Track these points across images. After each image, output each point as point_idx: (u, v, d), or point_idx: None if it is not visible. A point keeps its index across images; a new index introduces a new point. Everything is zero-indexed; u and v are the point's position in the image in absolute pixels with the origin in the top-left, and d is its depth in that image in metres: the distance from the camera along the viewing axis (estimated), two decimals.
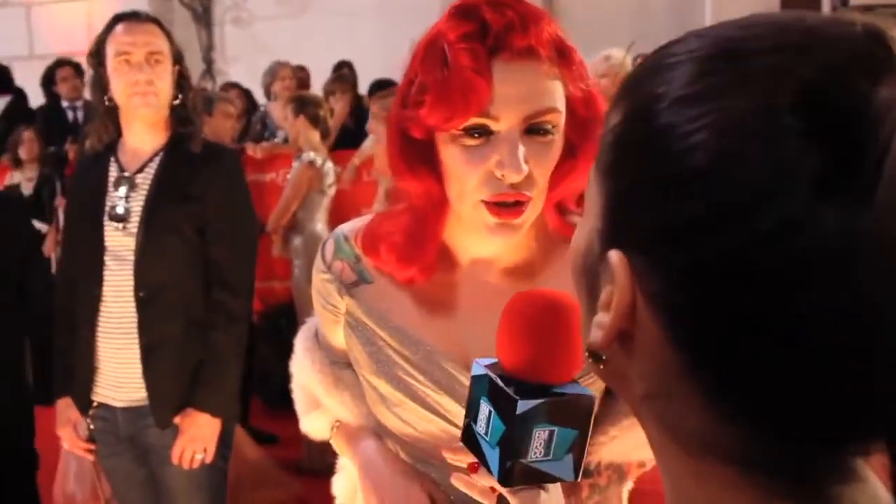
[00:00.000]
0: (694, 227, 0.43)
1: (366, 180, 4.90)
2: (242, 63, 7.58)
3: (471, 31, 0.96)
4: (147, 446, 2.14)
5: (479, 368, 0.85)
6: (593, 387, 0.99)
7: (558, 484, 0.86)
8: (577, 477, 0.82)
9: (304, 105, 4.25)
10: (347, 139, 5.20)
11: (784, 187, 0.41)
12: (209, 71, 7.85)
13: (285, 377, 3.66)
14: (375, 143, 4.92)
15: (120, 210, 2.08)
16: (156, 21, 2.17)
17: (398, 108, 1.03)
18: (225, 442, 2.17)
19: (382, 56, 7.25)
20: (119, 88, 2.07)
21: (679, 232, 0.44)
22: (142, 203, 2.08)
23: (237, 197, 2.18)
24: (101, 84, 2.11)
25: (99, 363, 2.13)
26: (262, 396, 4.61)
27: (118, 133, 2.16)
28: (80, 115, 5.58)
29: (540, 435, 0.79)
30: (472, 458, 0.88)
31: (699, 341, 0.44)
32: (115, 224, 2.08)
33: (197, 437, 2.09)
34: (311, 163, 4.12)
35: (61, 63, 5.74)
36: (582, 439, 0.81)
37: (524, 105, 0.96)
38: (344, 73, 5.71)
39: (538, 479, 0.81)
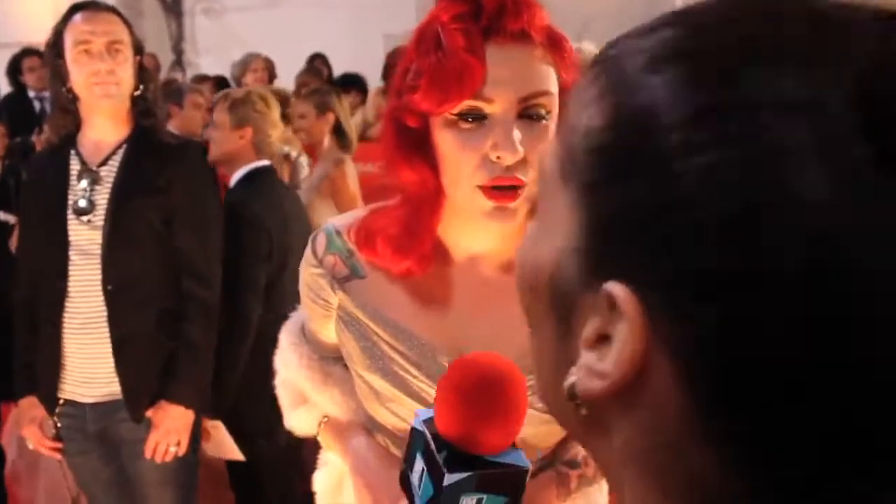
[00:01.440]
0: (735, 277, 0.36)
1: None
2: (213, 54, 7.50)
3: (464, 11, 0.96)
4: (118, 441, 2.11)
5: (418, 422, 0.86)
6: None
7: None
8: None
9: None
10: None
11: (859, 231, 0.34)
12: (179, 62, 7.75)
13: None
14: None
15: (83, 203, 2.05)
16: (114, 10, 2.13)
17: (393, 98, 1.04)
18: (195, 434, 2.15)
19: (354, 49, 7.24)
20: (79, 79, 2.03)
21: (714, 281, 0.36)
22: (107, 196, 2.05)
23: (203, 187, 2.15)
24: (60, 75, 2.07)
25: (65, 359, 2.09)
26: None
27: (77, 126, 2.12)
28: (47, 105, 5.47)
29: (467, 501, 0.81)
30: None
31: (725, 392, 0.37)
32: (80, 218, 2.05)
33: (171, 430, 2.07)
34: (287, 156, 4.08)
35: (28, 52, 5.62)
36: (513, 502, 0.83)
37: (518, 87, 0.96)
38: (316, 66, 5.67)
39: None
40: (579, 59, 1.03)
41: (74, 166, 2.09)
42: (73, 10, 2.09)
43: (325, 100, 3.48)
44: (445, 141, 0.99)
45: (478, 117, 0.97)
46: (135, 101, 2.10)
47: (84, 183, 2.06)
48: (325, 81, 5.57)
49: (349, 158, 3.44)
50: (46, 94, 5.62)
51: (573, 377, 0.42)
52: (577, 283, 0.42)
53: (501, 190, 0.98)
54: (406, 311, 1.09)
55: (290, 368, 1.22)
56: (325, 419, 1.22)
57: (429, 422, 0.85)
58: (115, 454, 2.13)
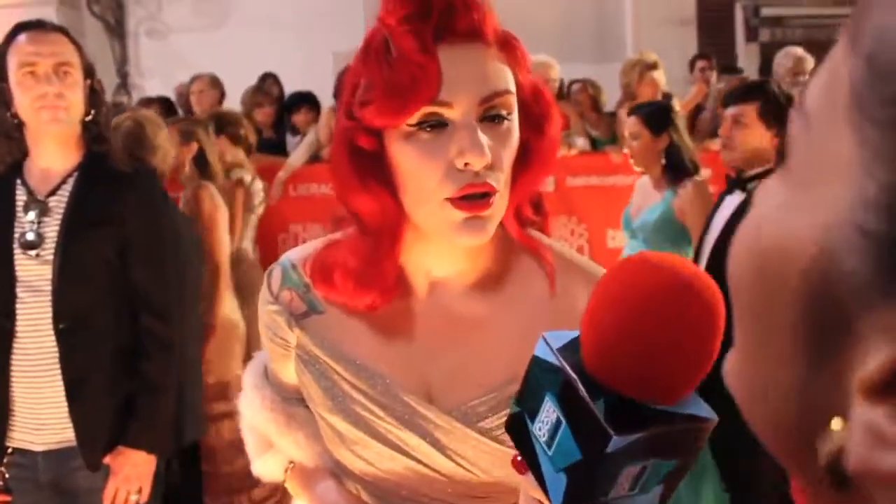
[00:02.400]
0: None
1: (292, 195, 4.80)
2: (158, 77, 7.35)
3: (412, 12, 0.90)
4: (74, 491, 1.98)
5: (547, 352, 0.63)
6: None
7: None
8: None
9: (223, 124, 4.13)
10: (271, 151, 5.09)
11: None
12: (124, 85, 7.58)
13: None
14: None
15: (31, 237, 1.92)
16: (63, 30, 2.01)
17: (343, 119, 0.97)
18: (159, 478, 2.03)
19: (302, 68, 7.16)
20: (24, 103, 1.91)
21: None
22: (56, 228, 1.93)
23: (159, 216, 2.04)
24: (3, 98, 1.95)
25: (14, 405, 1.96)
26: None
27: (23, 154, 2.00)
28: None
29: (630, 472, 0.60)
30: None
31: None
32: (28, 252, 1.92)
33: (131, 477, 1.95)
34: (240, 181, 4.00)
35: None
36: (681, 470, 0.62)
37: (477, 88, 0.91)
38: (262, 85, 5.59)
39: None
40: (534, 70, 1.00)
41: (20, 197, 1.96)
42: (17, 29, 1.97)
43: (190, 129, 3.57)
44: (405, 155, 0.92)
45: (437, 125, 0.91)
46: (86, 126, 1.99)
47: (31, 215, 1.94)
48: (274, 101, 5.50)
49: (210, 185, 3.51)
50: None
51: (839, 440, 0.27)
52: (860, 285, 0.27)
53: (472, 199, 0.91)
54: (367, 347, 1.03)
55: (253, 412, 1.15)
56: (292, 465, 1.15)
57: (566, 351, 0.61)
58: None
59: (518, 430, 0.65)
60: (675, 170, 3.15)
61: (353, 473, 1.07)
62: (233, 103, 5.56)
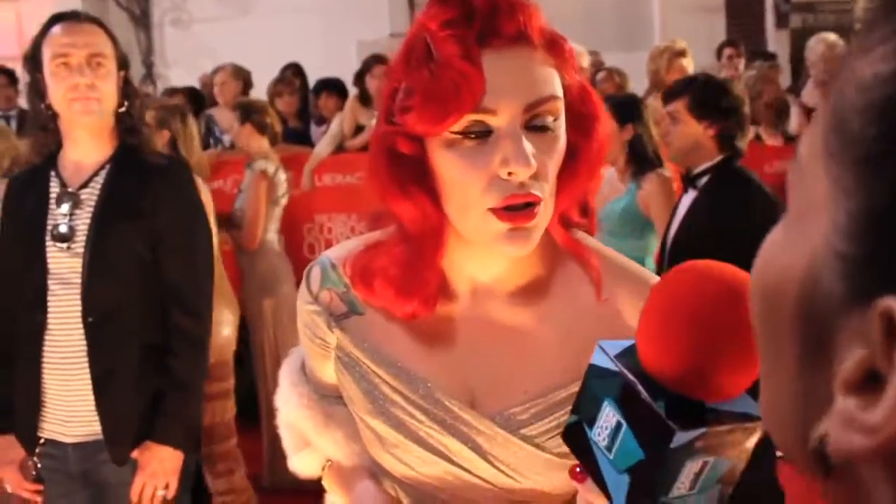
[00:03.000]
0: None
1: (318, 185, 4.79)
2: (183, 66, 7.37)
3: (455, 16, 0.87)
4: (102, 484, 1.98)
5: (604, 359, 0.66)
6: None
7: None
8: None
9: (249, 112, 4.11)
10: (295, 141, 5.09)
11: None
12: (149, 75, 7.62)
13: (242, 389, 3.54)
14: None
15: (63, 229, 1.91)
16: (97, 21, 2.00)
17: (382, 123, 0.95)
18: (187, 474, 2.02)
19: (327, 55, 7.16)
20: (58, 94, 1.90)
21: None
22: (88, 221, 1.92)
23: (192, 210, 2.02)
24: (38, 90, 1.94)
25: (45, 396, 1.96)
26: None
27: (58, 145, 1.99)
28: (13, 125, 5.34)
29: (690, 468, 0.62)
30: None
31: None
32: (59, 244, 1.91)
33: (158, 473, 1.94)
34: (264, 172, 3.99)
35: None
36: (735, 470, 0.65)
37: (523, 94, 0.88)
38: (285, 75, 5.58)
39: None
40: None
41: (54, 189, 1.96)
42: (53, 21, 1.96)
43: (163, 117, 3.52)
44: (448, 163, 0.90)
45: (482, 133, 0.89)
46: (119, 118, 1.97)
47: (65, 207, 1.93)
48: (297, 90, 5.49)
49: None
50: (13, 112, 5.49)
51: (824, 427, 0.33)
52: (837, 300, 0.32)
53: (516, 210, 0.89)
54: (409, 350, 1.01)
55: (291, 409, 1.14)
56: (329, 463, 1.14)
57: (623, 357, 0.64)
58: (100, 497, 2.00)
59: (576, 438, 0.67)
60: (639, 162, 3.17)
61: (392, 475, 1.05)
62: (258, 93, 5.55)
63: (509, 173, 0.88)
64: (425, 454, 1.00)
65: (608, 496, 0.65)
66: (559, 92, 0.91)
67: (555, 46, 0.91)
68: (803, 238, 0.34)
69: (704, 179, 2.66)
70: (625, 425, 0.63)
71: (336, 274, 1.04)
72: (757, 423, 0.63)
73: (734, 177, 2.64)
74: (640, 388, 0.62)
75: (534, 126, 0.89)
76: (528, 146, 0.88)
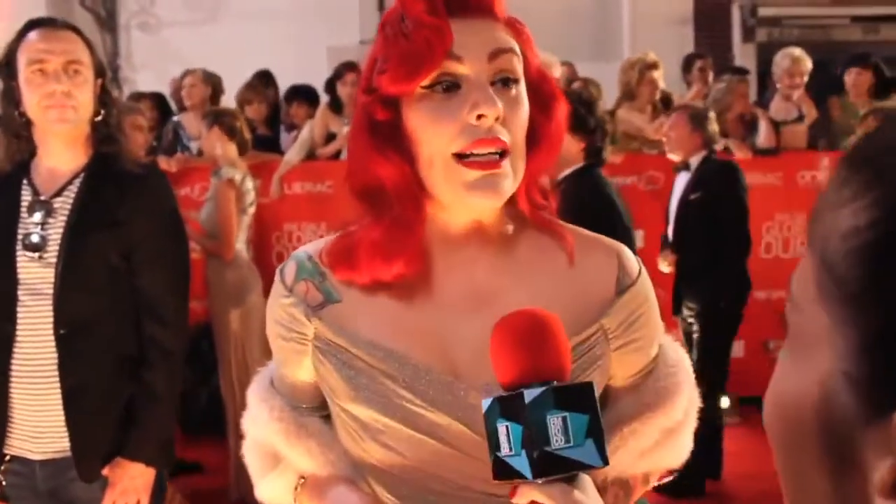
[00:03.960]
0: None
1: (287, 193, 4.75)
2: (151, 70, 7.27)
3: None
4: (72, 502, 1.92)
5: (486, 402, 0.87)
6: None
7: (590, 482, 0.87)
8: (605, 462, 0.83)
9: (218, 116, 4.06)
10: (264, 148, 5.04)
11: None
12: (115, 79, 7.49)
13: (208, 401, 3.50)
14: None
15: (35, 238, 1.87)
16: (74, 28, 1.96)
17: (361, 95, 1.02)
18: (159, 491, 1.96)
19: (297, 61, 7.10)
20: (33, 101, 1.86)
21: None
22: (60, 230, 1.87)
23: (168, 220, 1.98)
24: (12, 97, 1.90)
25: (12, 411, 1.90)
26: (183, 422, 4.39)
27: (31, 152, 1.95)
28: None
29: (555, 422, 0.82)
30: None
31: None
32: (30, 254, 1.86)
33: (129, 490, 1.89)
34: (231, 180, 3.92)
35: None
36: (595, 423, 0.84)
37: (487, 44, 0.96)
38: (254, 82, 5.52)
39: (567, 467, 0.83)
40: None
41: (26, 197, 1.91)
42: (29, 26, 1.91)
43: None
44: (419, 117, 0.97)
45: (451, 85, 0.95)
46: (95, 126, 1.94)
47: (37, 216, 1.88)
48: (267, 98, 5.43)
49: None
50: None
51: None
52: (855, 418, 0.36)
53: (484, 157, 0.95)
54: (389, 330, 1.02)
55: (259, 425, 1.12)
56: (302, 480, 1.11)
57: (490, 397, 0.87)
58: None
59: (499, 469, 0.85)
60: None
61: (377, 468, 1.04)
62: (228, 98, 5.49)
63: (478, 116, 0.94)
64: (413, 435, 1.00)
65: (524, 477, 0.83)
66: (519, 53, 0.99)
67: (515, 26, 1.01)
68: (812, 367, 0.38)
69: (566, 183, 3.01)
70: (509, 425, 0.83)
71: (312, 264, 1.06)
72: (587, 384, 0.86)
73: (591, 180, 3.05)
74: (502, 397, 0.84)
75: (498, 81, 0.96)
76: (497, 100, 0.95)
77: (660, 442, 1.08)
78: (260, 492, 1.15)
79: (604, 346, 1.03)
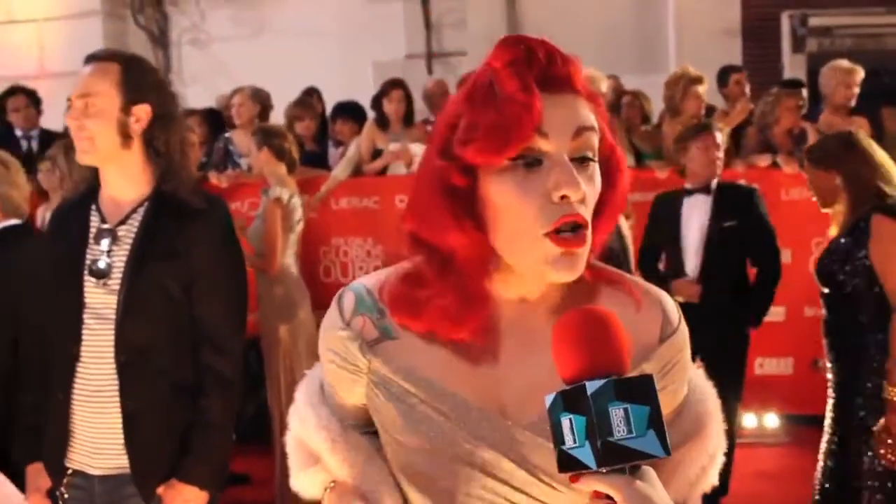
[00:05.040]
0: None
1: (334, 209, 4.82)
2: (201, 85, 7.42)
3: (517, 57, 0.98)
4: None
5: (549, 397, 0.89)
6: None
7: (654, 474, 0.89)
8: (667, 452, 0.85)
9: (268, 137, 4.13)
10: (312, 164, 5.12)
11: None
12: None
13: (255, 412, 3.57)
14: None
15: (101, 265, 1.94)
16: (115, 57, 1.99)
17: (436, 157, 1.01)
18: None
19: (343, 76, 7.19)
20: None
21: None
22: (124, 258, 1.94)
23: (227, 251, 2.03)
24: None
25: (74, 427, 1.97)
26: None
27: (97, 180, 2.02)
28: (34, 144, 5.38)
29: (616, 413, 0.84)
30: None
31: None
32: (96, 280, 1.94)
33: None
34: (279, 199, 4.00)
35: (13, 91, 5.50)
36: (657, 415, 0.86)
37: (572, 121, 0.98)
38: (304, 99, 5.60)
39: (630, 457, 0.85)
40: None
41: (94, 223, 1.98)
42: (84, 62, 2.00)
43: (52, 153, 3.68)
44: (501, 190, 0.97)
45: (534, 161, 0.97)
46: (150, 158, 1.98)
47: (104, 243, 1.95)
48: (316, 114, 5.52)
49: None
50: (34, 132, 5.54)
51: None
52: None
53: (568, 233, 0.97)
54: (445, 369, 1.04)
55: (306, 427, 1.15)
56: (332, 484, 1.14)
57: (554, 397, 0.89)
58: None
59: (563, 461, 0.88)
60: None
61: (423, 499, 1.06)
62: (276, 112, 5.59)
63: (562, 197, 0.95)
64: (464, 469, 1.03)
65: (588, 467, 0.86)
66: (597, 128, 1.01)
67: (594, 99, 1.03)
68: None
69: None
70: (572, 418, 0.86)
71: (371, 299, 1.07)
72: (647, 377, 0.87)
73: None
74: (566, 392, 0.87)
75: (578, 158, 0.98)
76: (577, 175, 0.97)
77: (706, 467, 1.10)
78: (295, 482, 1.19)
79: None
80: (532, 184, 0.96)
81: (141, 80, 1.97)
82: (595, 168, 0.99)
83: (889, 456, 2.65)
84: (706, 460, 1.10)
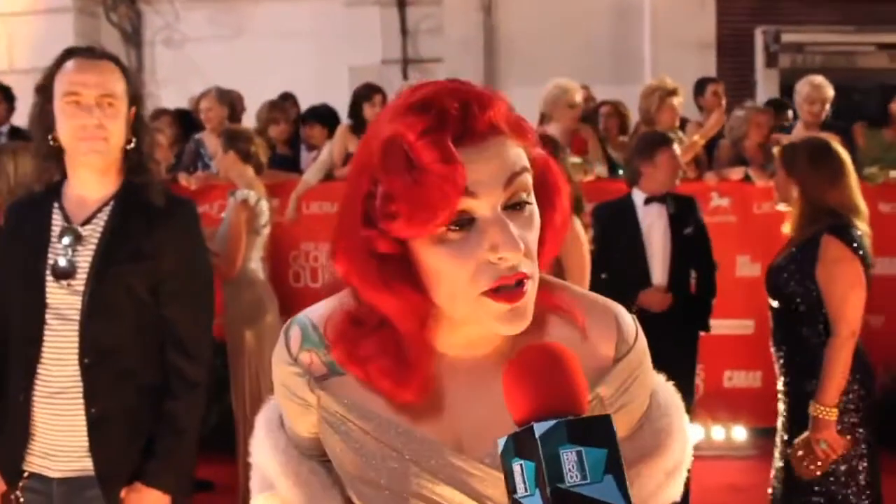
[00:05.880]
0: None
1: (305, 213, 4.77)
2: (175, 86, 7.35)
3: (430, 124, 0.90)
4: None
5: (501, 441, 0.84)
6: None
7: None
8: (627, 501, 0.78)
9: (234, 140, 4.09)
10: (284, 167, 5.06)
11: None
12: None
13: (220, 418, 3.54)
14: None
15: (63, 263, 1.90)
16: (112, 58, 1.99)
17: (359, 226, 0.94)
18: None
19: (318, 80, 7.15)
20: (66, 131, 1.90)
21: None
22: (89, 258, 1.90)
23: (195, 254, 2.01)
24: (46, 121, 1.93)
25: (34, 429, 1.93)
26: None
27: (62, 174, 1.98)
28: (2, 140, 5.28)
29: (568, 457, 0.78)
30: None
31: None
32: (59, 280, 1.90)
33: None
34: (245, 201, 3.95)
35: None
36: (615, 458, 0.79)
37: (500, 173, 0.91)
38: (278, 102, 5.55)
39: None
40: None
41: (57, 222, 1.94)
42: (68, 54, 1.95)
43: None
44: (435, 258, 0.92)
45: (466, 223, 0.91)
46: (126, 154, 1.96)
47: (66, 240, 1.91)
48: (290, 118, 5.46)
49: None
50: (4, 129, 5.44)
51: None
52: None
53: (509, 290, 0.91)
54: (396, 405, 1.01)
55: (262, 452, 1.13)
56: None
57: (506, 441, 0.84)
58: None
59: None
60: None
61: None
62: (250, 114, 5.53)
63: (500, 258, 0.90)
64: (417, 502, 1.01)
65: None
66: (528, 164, 0.95)
67: (520, 129, 0.96)
68: None
69: None
70: (523, 464, 0.80)
71: (317, 335, 1.04)
72: (605, 417, 0.82)
73: None
74: (517, 434, 0.80)
75: (512, 205, 0.92)
76: (514, 228, 0.91)
77: (661, 484, 1.08)
78: (253, 502, 1.17)
79: (599, 412, 1.01)
80: (466, 246, 0.91)
81: (135, 83, 2.02)
82: (532, 208, 0.94)
83: (810, 467, 2.69)
84: (662, 478, 1.07)
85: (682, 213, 3.70)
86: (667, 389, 1.12)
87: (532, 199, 0.95)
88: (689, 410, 3.49)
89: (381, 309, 0.97)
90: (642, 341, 1.07)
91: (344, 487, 1.08)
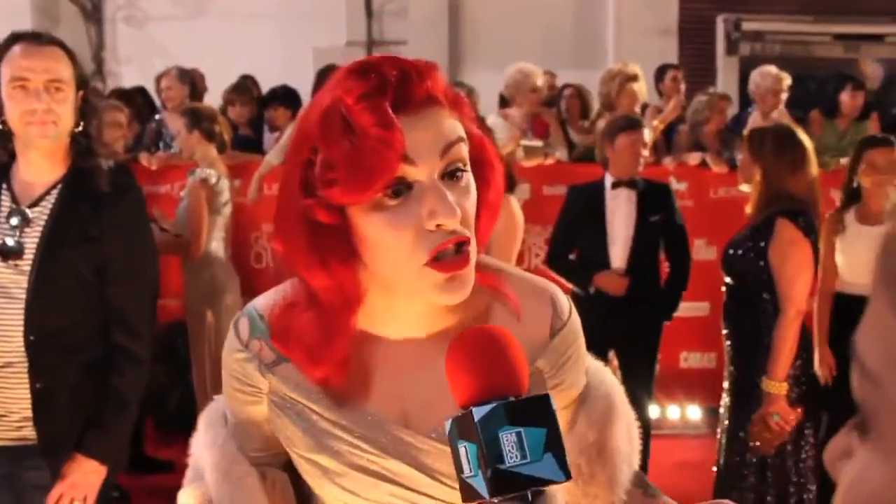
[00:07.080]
0: None
1: (266, 194, 4.75)
2: (136, 64, 7.25)
3: (369, 89, 0.91)
4: (22, 488, 1.99)
5: (447, 423, 0.86)
6: None
7: (559, 497, 0.85)
8: (567, 476, 0.81)
9: (198, 119, 4.07)
10: (246, 148, 5.04)
11: None
12: (100, 71, 7.47)
13: (181, 399, 3.59)
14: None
15: (11, 243, 1.93)
16: (58, 43, 2.01)
17: (297, 195, 0.95)
18: (105, 492, 2.03)
19: (282, 61, 7.10)
20: (14, 115, 1.92)
21: None
22: (36, 240, 1.94)
23: (140, 236, 2.07)
24: None
25: None
26: (156, 420, 4.40)
27: (10, 156, 2.00)
28: None
29: (508, 438, 0.80)
30: None
31: None
32: (4, 259, 1.93)
33: (79, 484, 1.95)
34: (205, 180, 3.94)
35: None
36: (555, 437, 0.81)
37: (438, 141, 0.93)
38: (241, 83, 5.52)
39: (525, 484, 0.80)
40: (484, 129, 1.03)
41: (4, 203, 1.97)
42: (13, 39, 1.97)
43: None
44: (374, 226, 0.93)
45: (403, 190, 0.92)
46: (74, 139, 1.99)
47: (14, 221, 1.94)
48: (251, 99, 5.43)
49: None
50: None
51: None
52: None
53: (450, 257, 0.93)
54: (343, 385, 1.04)
55: (199, 447, 1.15)
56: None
57: (450, 424, 0.86)
58: (19, 501, 2.00)
59: (465, 491, 0.84)
60: None
61: None
62: (213, 94, 5.49)
63: (438, 225, 0.92)
64: (370, 480, 1.04)
65: (484, 497, 0.82)
66: (465, 136, 0.97)
67: (457, 102, 0.98)
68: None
69: None
70: (467, 445, 0.82)
71: (263, 324, 1.06)
72: (543, 395, 0.83)
73: None
74: (459, 417, 0.82)
75: (449, 174, 0.94)
76: (450, 195, 0.92)
77: (633, 442, 1.12)
78: (180, 496, 1.17)
79: (542, 387, 1.05)
80: (404, 214, 0.92)
81: (81, 67, 2.04)
82: (468, 177, 0.96)
83: (758, 443, 2.79)
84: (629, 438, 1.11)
85: (652, 199, 3.71)
86: (599, 367, 1.16)
87: (468, 168, 0.96)
88: (649, 393, 3.55)
89: (311, 283, 0.98)
90: (576, 319, 1.10)
91: (280, 495, 1.09)
